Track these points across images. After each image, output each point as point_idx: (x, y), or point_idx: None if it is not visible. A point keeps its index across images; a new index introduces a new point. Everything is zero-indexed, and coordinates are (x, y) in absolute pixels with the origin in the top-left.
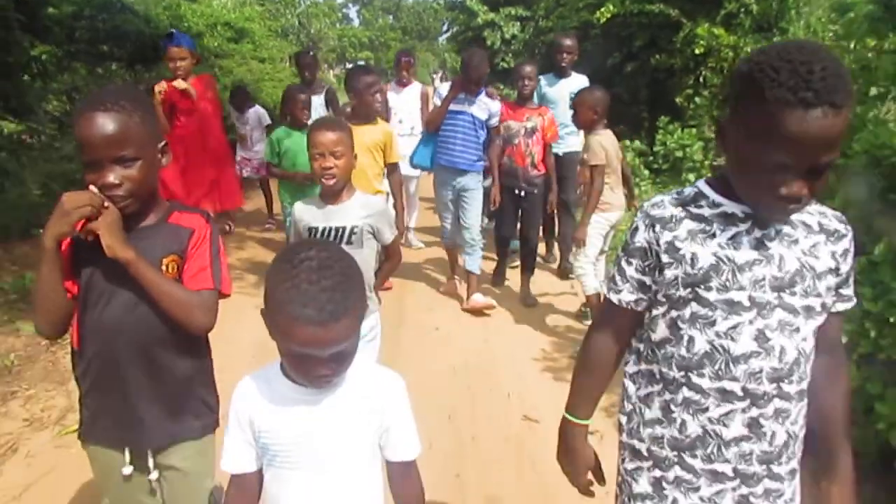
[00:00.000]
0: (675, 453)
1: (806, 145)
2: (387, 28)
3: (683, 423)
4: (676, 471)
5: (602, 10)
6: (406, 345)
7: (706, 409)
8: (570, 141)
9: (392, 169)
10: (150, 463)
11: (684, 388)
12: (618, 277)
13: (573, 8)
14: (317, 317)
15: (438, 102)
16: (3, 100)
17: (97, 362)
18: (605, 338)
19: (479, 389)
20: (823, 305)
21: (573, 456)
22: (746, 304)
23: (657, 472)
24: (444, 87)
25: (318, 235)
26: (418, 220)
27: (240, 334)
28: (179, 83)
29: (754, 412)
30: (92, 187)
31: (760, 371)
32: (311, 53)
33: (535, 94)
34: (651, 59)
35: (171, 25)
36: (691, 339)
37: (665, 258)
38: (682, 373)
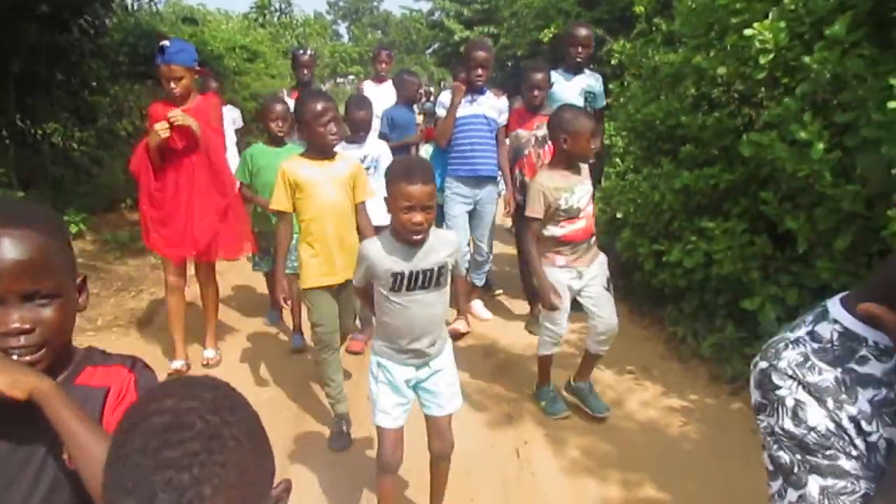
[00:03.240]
0: None
1: None
2: (376, 43)
3: None
4: None
5: (545, 30)
6: None
7: None
8: None
9: (362, 209)
10: None
11: None
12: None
13: (525, 28)
14: None
15: (443, 113)
16: (76, 111)
17: None
18: None
19: None
20: None
21: None
22: None
23: None
24: (445, 96)
25: (406, 280)
26: None
27: None
28: (176, 115)
29: None
30: None
31: None
32: (310, 52)
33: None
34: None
35: (196, 49)
36: None
37: (859, 444)
38: None
